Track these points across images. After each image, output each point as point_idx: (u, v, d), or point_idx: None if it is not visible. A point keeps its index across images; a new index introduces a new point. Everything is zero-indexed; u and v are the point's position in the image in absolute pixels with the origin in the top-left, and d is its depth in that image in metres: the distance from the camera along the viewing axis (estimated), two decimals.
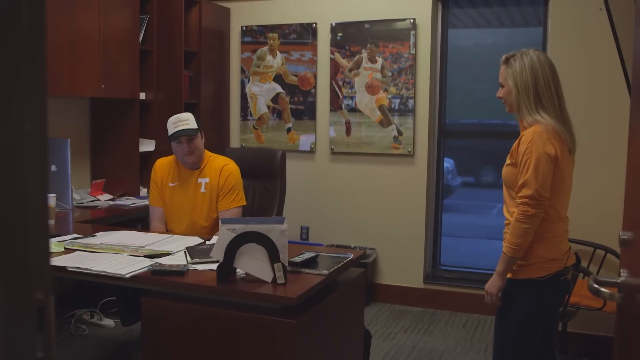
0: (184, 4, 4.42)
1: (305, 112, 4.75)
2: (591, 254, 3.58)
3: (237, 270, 2.19)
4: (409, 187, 4.50)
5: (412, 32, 4.39)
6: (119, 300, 3.16)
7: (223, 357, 2.10)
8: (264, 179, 3.59)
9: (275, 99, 4.83)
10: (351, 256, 2.52)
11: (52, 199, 3.42)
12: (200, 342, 2.13)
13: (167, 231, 3.17)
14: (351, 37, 4.57)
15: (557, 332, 2.59)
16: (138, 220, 3.92)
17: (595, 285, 1.48)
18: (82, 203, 3.93)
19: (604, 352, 3.55)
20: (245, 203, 3.19)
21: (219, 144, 4.67)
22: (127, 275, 2.23)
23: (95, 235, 2.85)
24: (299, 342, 2.04)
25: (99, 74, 3.91)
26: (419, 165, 4.47)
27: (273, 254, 2.12)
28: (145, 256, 2.46)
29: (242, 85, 4.93)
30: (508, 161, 2.28)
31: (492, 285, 2.27)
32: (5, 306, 0.66)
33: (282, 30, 4.76)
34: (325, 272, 2.27)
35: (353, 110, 4.60)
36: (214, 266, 2.21)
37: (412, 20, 4.39)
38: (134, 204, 3.96)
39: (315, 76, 4.70)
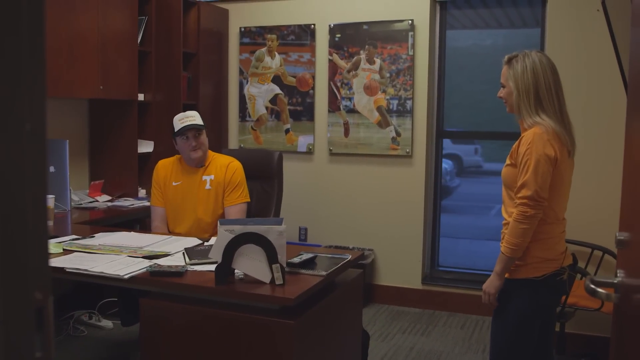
0: (182, 5, 4.42)
1: (303, 113, 4.76)
2: (589, 254, 3.59)
3: (236, 271, 2.20)
4: (407, 188, 4.50)
5: (411, 33, 4.40)
6: (120, 300, 3.16)
7: (221, 358, 2.11)
8: (261, 180, 3.60)
9: (274, 100, 4.83)
10: (349, 257, 2.53)
11: (50, 200, 3.42)
12: (198, 343, 2.14)
13: (170, 231, 3.18)
14: (349, 38, 4.57)
15: (554, 332, 2.60)
16: (137, 221, 3.92)
17: (592, 286, 1.49)
18: (81, 204, 3.93)
19: (602, 353, 3.56)
20: (249, 200, 3.22)
21: (217, 145, 4.67)
22: (126, 276, 2.23)
23: (93, 236, 2.85)
24: (297, 343, 2.04)
25: (97, 75, 3.92)
26: (417, 166, 4.47)
27: (271, 255, 2.13)
28: (143, 257, 2.47)
29: (241, 87, 4.93)
30: (508, 162, 2.29)
31: (490, 285, 2.28)
32: (4, 306, 0.66)
33: (281, 31, 4.77)
34: (324, 273, 2.28)
35: (351, 111, 4.60)
36: (213, 267, 2.21)
37: (410, 22, 4.39)
38: (133, 205, 3.96)
39: (313, 77, 4.71)
